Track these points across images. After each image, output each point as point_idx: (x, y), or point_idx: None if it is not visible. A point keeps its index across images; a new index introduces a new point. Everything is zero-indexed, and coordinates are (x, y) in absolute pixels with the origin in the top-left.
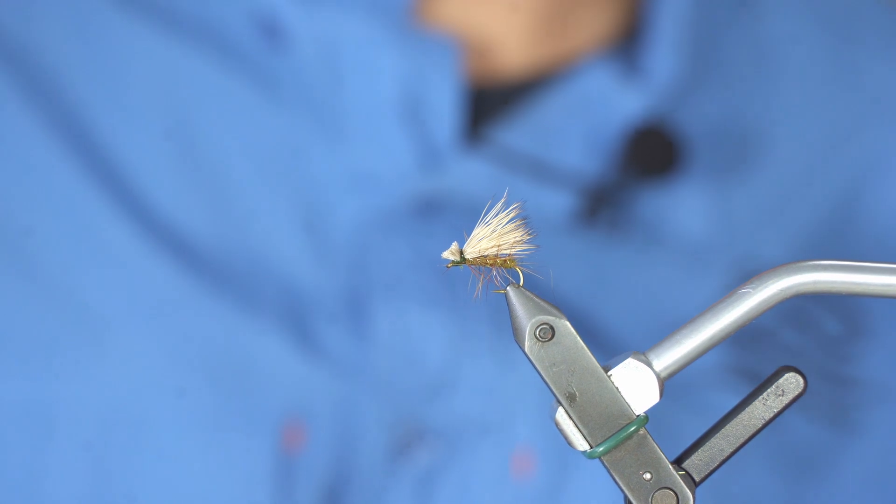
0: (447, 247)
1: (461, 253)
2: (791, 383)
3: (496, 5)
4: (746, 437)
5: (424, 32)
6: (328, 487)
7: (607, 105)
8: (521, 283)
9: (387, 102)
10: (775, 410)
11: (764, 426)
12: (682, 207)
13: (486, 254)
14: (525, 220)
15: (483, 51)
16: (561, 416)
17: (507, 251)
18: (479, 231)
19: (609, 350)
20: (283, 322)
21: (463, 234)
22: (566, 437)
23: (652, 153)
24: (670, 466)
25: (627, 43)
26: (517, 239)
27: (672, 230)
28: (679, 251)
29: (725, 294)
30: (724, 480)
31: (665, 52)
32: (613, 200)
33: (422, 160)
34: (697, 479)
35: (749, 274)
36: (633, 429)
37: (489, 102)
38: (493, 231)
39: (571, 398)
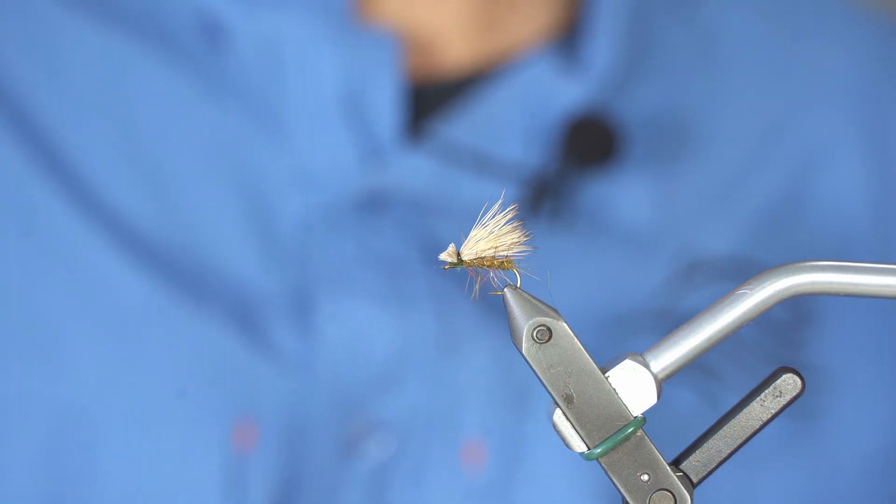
0: (392, 242)
1: (458, 255)
2: (788, 384)
3: (436, 1)
4: (744, 439)
5: (364, 30)
6: (280, 486)
7: (546, 97)
8: (519, 284)
9: (328, 100)
10: (773, 411)
11: (762, 427)
12: (625, 197)
13: (483, 255)
14: (522, 221)
15: (424, 47)
16: (558, 417)
17: (505, 253)
18: (477, 233)
19: None
20: (232, 320)
21: (409, 229)
22: (563, 439)
23: (591, 143)
24: (668, 468)
25: (567, 37)
26: (514, 241)
27: (615, 220)
28: (622, 241)
29: (668, 283)
30: None
31: (603, 44)
32: (555, 191)
33: (364, 156)
34: (695, 480)
35: (692, 264)
36: (630, 430)
37: (431, 98)
38: (491, 233)
39: (569, 400)
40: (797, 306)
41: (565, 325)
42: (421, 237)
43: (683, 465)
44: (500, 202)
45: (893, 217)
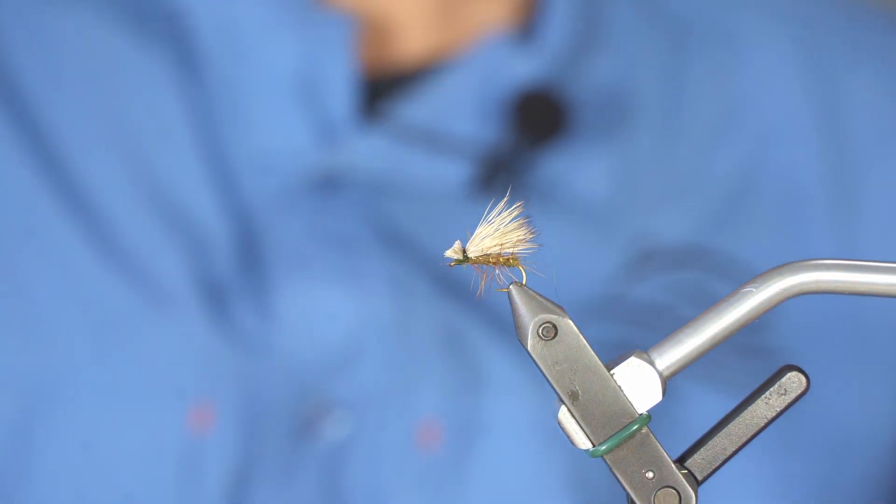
0: (347, 222)
1: (464, 251)
2: (794, 382)
3: None
4: (749, 437)
5: (321, 14)
6: (237, 467)
7: (499, 75)
8: (524, 281)
9: (283, 82)
10: (778, 409)
11: (766, 425)
12: (577, 173)
13: (489, 252)
14: (528, 218)
15: (383, 34)
16: (563, 414)
17: (511, 250)
18: (482, 229)
19: (503, 322)
20: (192, 300)
21: (364, 209)
22: (569, 436)
23: (541, 117)
24: (673, 465)
25: (523, 25)
26: (520, 237)
27: (569, 199)
28: (576, 221)
29: (621, 271)
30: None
31: (558, 23)
32: (508, 167)
33: (319, 138)
34: (700, 478)
35: (646, 252)
36: (635, 427)
37: (389, 85)
38: (496, 230)
39: (574, 397)
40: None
41: (571, 322)
42: (376, 218)
43: (688, 463)
44: (505, 199)
45: (847, 196)
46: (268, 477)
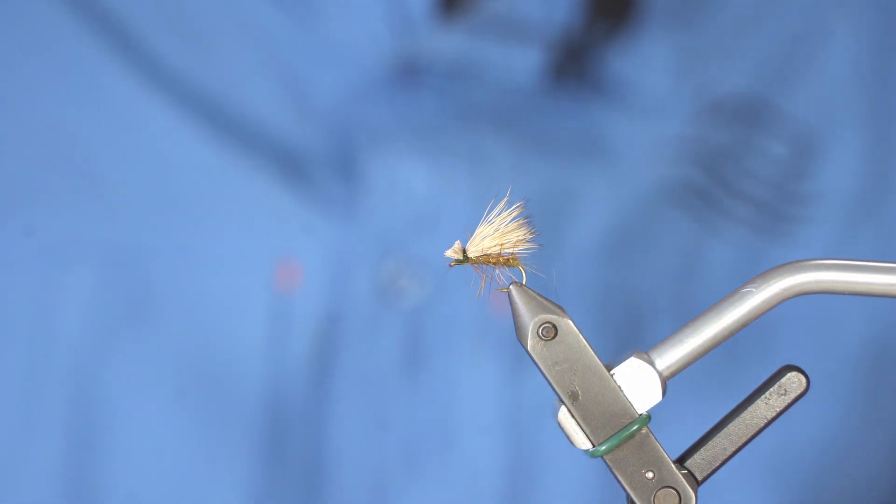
0: (428, 108)
1: (464, 252)
2: (793, 383)
3: None
4: (749, 437)
5: None
6: (323, 322)
7: None
8: (524, 281)
9: None
10: (777, 410)
11: (766, 425)
12: (643, 65)
13: (489, 252)
14: (528, 218)
15: None
16: (563, 414)
17: (511, 250)
18: (482, 230)
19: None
20: (279, 171)
21: (443, 96)
22: (568, 436)
23: (611, 2)
24: (672, 465)
25: None
26: (520, 238)
27: (638, 83)
28: (644, 104)
29: (695, 119)
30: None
31: None
32: (580, 55)
33: (397, 30)
34: (700, 478)
35: (709, 106)
36: (635, 427)
37: None
38: (496, 230)
39: (574, 397)
40: (797, 141)
41: (570, 322)
42: (456, 103)
43: (688, 463)
44: (506, 199)
45: (883, 92)
46: (353, 333)
